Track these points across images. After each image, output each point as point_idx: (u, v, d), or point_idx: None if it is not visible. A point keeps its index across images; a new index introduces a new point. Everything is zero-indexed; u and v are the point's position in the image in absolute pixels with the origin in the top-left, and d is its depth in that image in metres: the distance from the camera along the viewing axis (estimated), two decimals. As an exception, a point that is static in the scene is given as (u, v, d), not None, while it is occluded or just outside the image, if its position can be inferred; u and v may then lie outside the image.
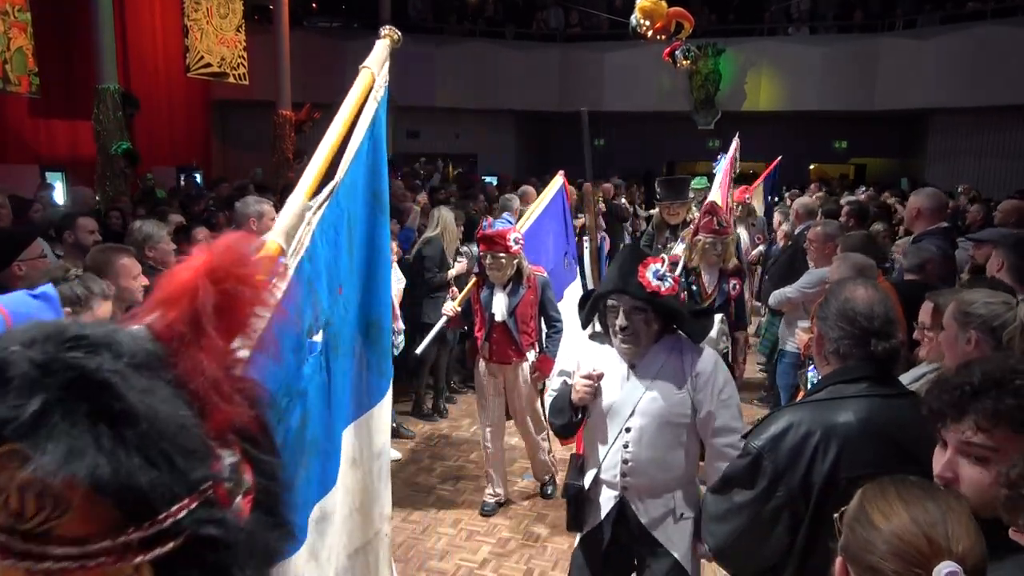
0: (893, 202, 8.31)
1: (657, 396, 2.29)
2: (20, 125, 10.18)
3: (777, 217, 7.18)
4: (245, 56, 13.09)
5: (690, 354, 2.33)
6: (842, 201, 7.33)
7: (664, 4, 8.46)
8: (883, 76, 14.22)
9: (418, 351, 4.43)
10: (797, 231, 5.63)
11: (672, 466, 2.32)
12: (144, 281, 3.05)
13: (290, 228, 1.22)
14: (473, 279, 4.30)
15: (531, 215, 4.58)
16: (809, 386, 2.77)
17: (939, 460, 1.35)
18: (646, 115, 16.44)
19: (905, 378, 2.44)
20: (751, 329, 6.19)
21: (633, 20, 8.64)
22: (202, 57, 12.29)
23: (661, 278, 2.24)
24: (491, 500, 4.35)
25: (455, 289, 5.72)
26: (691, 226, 4.77)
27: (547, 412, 2.50)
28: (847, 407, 1.74)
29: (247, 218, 3.97)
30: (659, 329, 2.32)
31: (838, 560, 1.16)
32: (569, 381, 2.42)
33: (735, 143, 6.26)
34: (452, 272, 5.59)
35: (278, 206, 4.67)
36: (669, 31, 8.79)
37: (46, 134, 10.67)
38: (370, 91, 1.52)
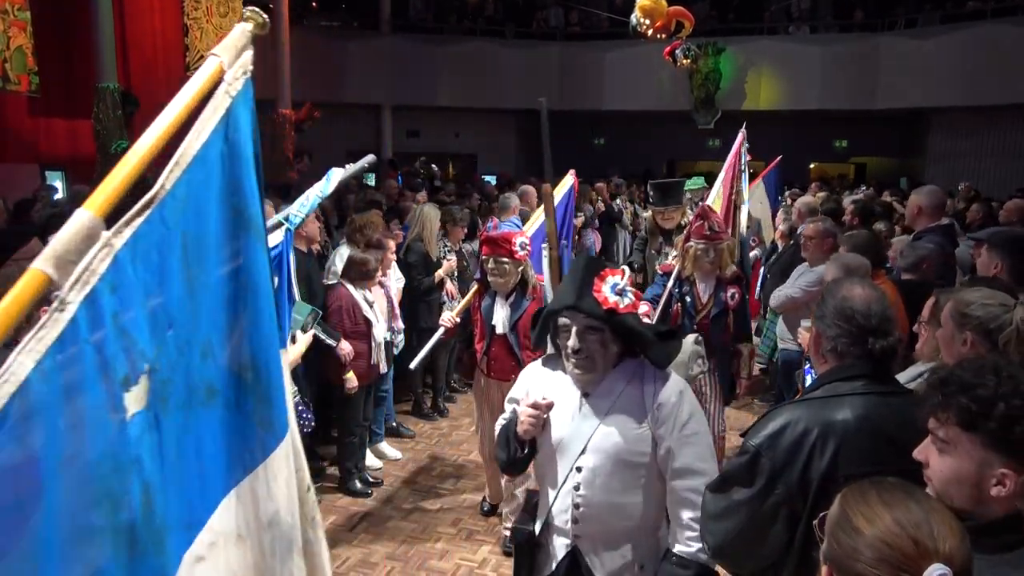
0: (892, 201, 8.30)
1: (613, 431, 1.99)
2: (19, 124, 10.17)
3: (779, 216, 7.17)
4: (245, 55, 13.07)
5: (653, 382, 2.02)
6: (847, 201, 7.34)
7: (664, 3, 8.46)
8: (883, 75, 14.21)
9: (412, 365, 4.16)
10: (799, 230, 5.63)
11: (630, 512, 2.02)
12: None
13: (68, 252, 0.93)
14: (475, 286, 4.03)
15: (538, 218, 4.24)
16: (805, 386, 2.77)
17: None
18: (646, 114, 16.43)
19: (903, 376, 2.44)
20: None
21: (633, 19, 8.64)
22: (202, 56, 12.28)
23: (620, 293, 1.97)
24: (489, 503, 4.31)
25: (451, 287, 5.69)
26: (685, 231, 4.49)
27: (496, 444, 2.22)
28: (844, 405, 1.75)
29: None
30: (618, 352, 2.04)
31: (824, 569, 1.14)
32: (518, 410, 2.10)
33: (740, 136, 5.75)
34: (440, 272, 5.53)
35: (277, 206, 4.68)
36: (669, 30, 8.80)
37: (46, 133, 10.66)
38: (217, 84, 1.23)
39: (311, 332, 3.67)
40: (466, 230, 6.14)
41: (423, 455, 5.17)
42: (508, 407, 2.24)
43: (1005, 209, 5.36)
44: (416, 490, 4.64)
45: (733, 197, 5.32)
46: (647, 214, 6.82)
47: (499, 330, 3.77)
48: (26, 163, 10.08)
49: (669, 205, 5.84)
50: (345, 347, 4.24)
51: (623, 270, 2.02)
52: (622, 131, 17.66)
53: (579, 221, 8.68)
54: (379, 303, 4.60)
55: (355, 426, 4.53)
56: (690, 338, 3.40)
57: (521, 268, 3.69)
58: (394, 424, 5.46)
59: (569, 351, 1.99)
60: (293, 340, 3.69)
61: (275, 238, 2.16)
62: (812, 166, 17.22)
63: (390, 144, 16.41)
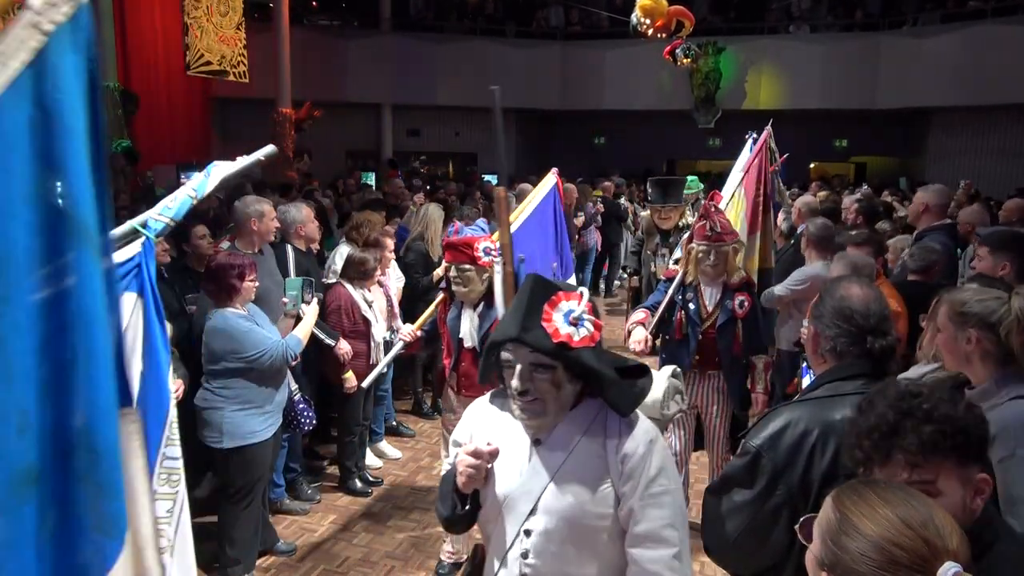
0: (892, 201, 8.30)
1: (568, 488, 1.64)
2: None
3: (780, 216, 7.14)
4: (245, 54, 13.08)
5: (618, 428, 1.67)
6: (847, 200, 7.31)
7: (664, 2, 8.45)
8: (884, 75, 14.21)
9: (365, 383, 3.82)
10: (799, 229, 5.62)
11: None
12: None
13: None
14: (440, 295, 3.66)
15: (514, 220, 3.78)
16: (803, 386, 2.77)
17: None
18: (646, 113, 16.43)
19: (905, 377, 2.44)
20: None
21: (634, 18, 8.64)
22: (202, 55, 12.28)
23: (575, 322, 1.61)
24: (448, 560, 3.67)
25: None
26: (688, 233, 4.19)
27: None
28: (845, 404, 1.74)
29: (248, 218, 3.96)
30: (575, 392, 1.68)
31: None
32: (458, 457, 1.76)
33: (765, 133, 5.18)
34: (438, 272, 5.50)
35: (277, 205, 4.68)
36: (669, 29, 8.79)
37: (46, 132, 10.65)
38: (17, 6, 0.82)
39: (314, 301, 3.75)
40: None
41: (423, 454, 5.17)
42: (452, 450, 1.87)
43: (1005, 208, 5.35)
44: (416, 489, 4.64)
45: (759, 198, 4.88)
46: (645, 213, 6.67)
47: (467, 343, 3.43)
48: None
49: (668, 203, 5.69)
50: (344, 347, 4.24)
51: (580, 294, 1.67)
52: (622, 130, 17.66)
53: (579, 221, 8.69)
54: (378, 302, 4.60)
55: (355, 425, 4.53)
56: (666, 371, 2.90)
57: (487, 275, 3.35)
58: (394, 423, 5.46)
59: (514, 391, 1.64)
60: (297, 319, 3.72)
61: (128, 252, 1.61)
62: (812, 165, 17.21)
63: (390, 143, 16.41)
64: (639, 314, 3.78)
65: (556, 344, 1.59)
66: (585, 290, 1.69)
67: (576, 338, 1.60)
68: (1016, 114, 13.62)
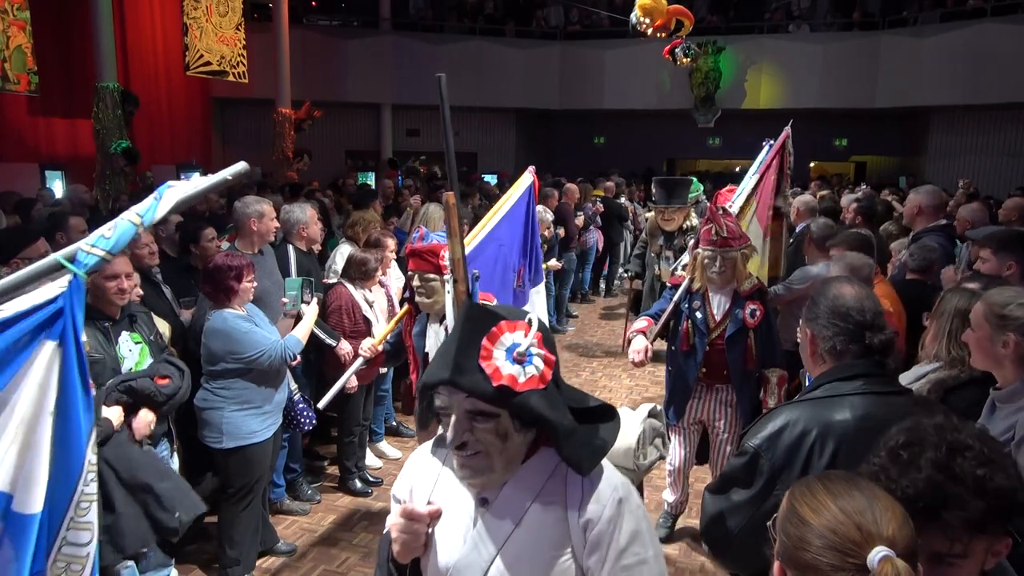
0: (892, 200, 8.29)
1: (520, 560, 1.35)
2: (19, 124, 10.16)
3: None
4: (245, 54, 13.09)
5: (579, 484, 1.37)
6: (846, 200, 7.31)
7: (664, 2, 8.44)
8: (884, 74, 14.20)
9: (321, 405, 3.37)
10: (799, 228, 5.61)
11: None
12: (129, 283, 3.01)
13: None
14: (404, 306, 3.32)
15: (486, 223, 3.41)
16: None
17: None
18: (646, 113, 16.43)
19: (906, 377, 2.44)
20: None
21: (633, 18, 8.62)
22: (202, 55, 12.28)
23: (521, 359, 1.31)
24: None
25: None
26: (696, 237, 3.90)
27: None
28: (844, 405, 1.75)
29: (247, 218, 3.96)
30: (527, 441, 1.38)
31: (775, 566, 1.15)
32: (391, 520, 1.47)
33: (785, 133, 4.85)
34: None
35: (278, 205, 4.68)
36: (669, 29, 8.77)
37: (45, 133, 10.66)
38: None
39: (314, 301, 3.73)
40: (468, 228, 6.12)
41: (423, 454, 5.17)
42: (393, 508, 1.52)
43: (1004, 207, 5.35)
44: (416, 489, 4.63)
45: (773, 201, 4.58)
46: (649, 214, 6.50)
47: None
48: (26, 163, 10.07)
49: (672, 204, 5.62)
50: (345, 347, 4.24)
51: (528, 323, 1.37)
52: (622, 130, 17.66)
53: (580, 220, 8.69)
54: (379, 302, 4.60)
55: (355, 425, 4.53)
56: (642, 410, 2.45)
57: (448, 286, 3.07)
58: (394, 423, 5.46)
59: (450, 444, 1.35)
60: (297, 317, 3.72)
61: (51, 291, 1.22)
62: (812, 165, 17.21)
63: (390, 143, 16.42)
64: (641, 322, 3.65)
65: (497, 388, 1.29)
66: (535, 317, 1.38)
67: (521, 379, 1.31)
68: (1016, 113, 13.62)
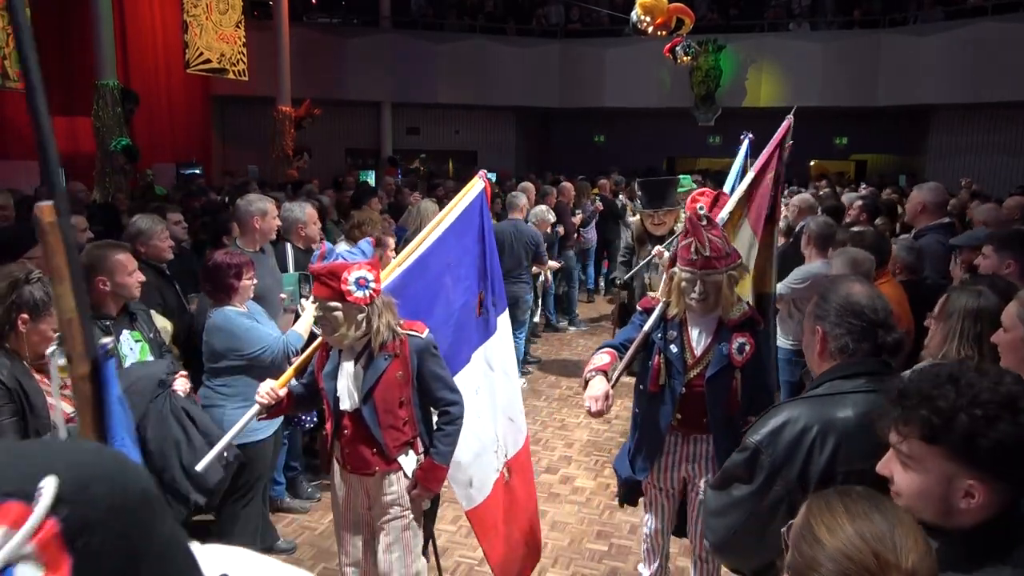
0: (894, 198, 8.30)
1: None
2: (20, 121, 10.16)
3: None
4: (245, 52, 13.08)
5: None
6: (847, 198, 7.31)
7: (664, 0, 8.45)
8: (884, 72, 14.20)
9: (199, 467, 2.61)
10: (798, 227, 5.60)
11: None
12: (140, 277, 3.04)
13: None
14: (316, 341, 2.72)
15: (422, 241, 2.89)
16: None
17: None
18: (646, 111, 16.43)
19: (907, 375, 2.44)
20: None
21: (633, 16, 8.63)
22: (201, 53, 12.28)
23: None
24: None
25: None
26: (671, 252, 3.10)
27: None
28: (846, 402, 1.75)
29: (250, 216, 3.96)
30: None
31: None
32: None
33: (786, 124, 3.84)
34: None
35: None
36: (669, 27, 8.78)
37: (45, 130, 10.64)
38: None
39: (312, 297, 3.69)
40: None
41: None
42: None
43: (1005, 206, 5.35)
44: (416, 487, 4.64)
45: (767, 206, 3.53)
46: (635, 218, 5.92)
47: (345, 405, 2.56)
48: (26, 160, 10.08)
49: (660, 208, 5.23)
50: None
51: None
52: (622, 128, 17.66)
53: (578, 219, 8.69)
54: (379, 300, 4.60)
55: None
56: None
57: (362, 316, 2.48)
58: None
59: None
60: (296, 314, 3.72)
61: None
62: (812, 163, 17.22)
63: (390, 141, 16.42)
64: (602, 357, 2.87)
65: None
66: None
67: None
68: (1017, 112, 13.62)
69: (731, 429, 2.69)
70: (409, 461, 2.64)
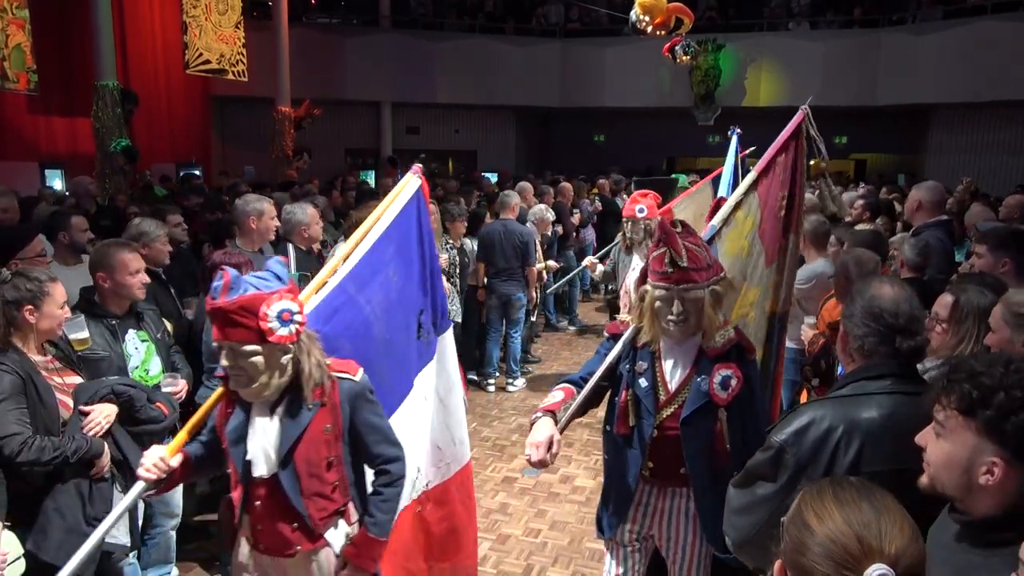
0: (893, 199, 8.30)
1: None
2: (19, 122, 10.17)
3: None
4: (244, 52, 13.09)
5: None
6: (850, 196, 7.30)
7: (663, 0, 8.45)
8: (884, 71, 14.20)
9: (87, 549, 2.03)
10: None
11: None
12: (145, 279, 3.04)
13: None
14: (220, 386, 2.15)
15: (354, 247, 2.42)
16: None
17: None
18: (646, 111, 16.43)
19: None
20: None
21: (633, 16, 8.62)
22: (201, 54, 12.28)
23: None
24: None
25: (445, 285, 5.55)
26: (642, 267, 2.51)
27: None
28: (871, 403, 1.76)
29: (247, 216, 3.96)
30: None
31: (776, 564, 1.16)
32: None
33: (799, 115, 3.12)
34: None
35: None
36: (669, 27, 8.77)
37: (45, 131, 10.67)
38: None
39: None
40: (466, 224, 6.13)
41: (423, 453, 5.17)
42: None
43: (1005, 205, 5.34)
44: (416, 488, 4.64)
45: (784, 211, 3.00)
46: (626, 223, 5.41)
47: (259, 471, 2.03)
48: (25, 161, 10.08)
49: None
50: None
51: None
52: (622, 128, 17.66)
53: (576, 219, 8.69)
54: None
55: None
56: None
57: (289, 356, 1.99)
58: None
59: None
60: None
61: None
62: (812, 162, 17.23)
63: (390, 141, 16.42)
64: (555, 394, 2.42)
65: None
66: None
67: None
68: (1016, 111, 13.61)
69: (716, 480, 2.20)
70: (338, 535, 2.12)
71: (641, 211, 5.08)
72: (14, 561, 2.23)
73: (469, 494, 2.85)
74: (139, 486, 2.06)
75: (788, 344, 4.60)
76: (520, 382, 6.53)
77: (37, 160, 10.42)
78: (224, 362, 1.95)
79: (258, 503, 2.07)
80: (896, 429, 1.71)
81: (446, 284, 5.60)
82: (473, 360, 6.66)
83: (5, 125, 9.93)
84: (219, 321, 1.92)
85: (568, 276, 7.27)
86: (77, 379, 2.65)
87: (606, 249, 5.26)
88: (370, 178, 13.79)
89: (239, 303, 1.90)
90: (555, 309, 8.58)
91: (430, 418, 2.68)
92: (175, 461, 2.08)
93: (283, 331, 1.93)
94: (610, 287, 6.00)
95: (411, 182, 2.63)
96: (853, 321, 1.86)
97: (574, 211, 8.66)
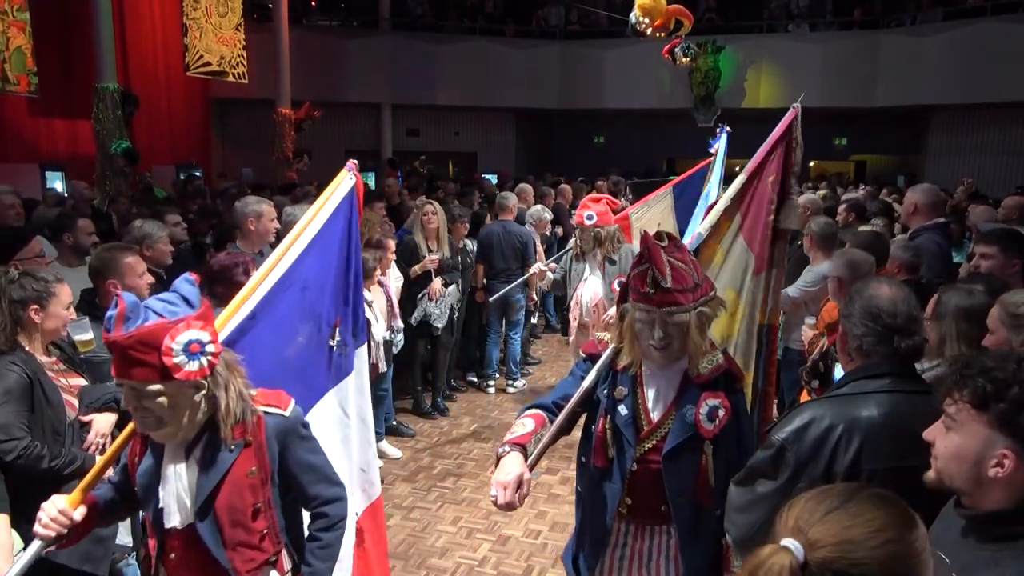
0: (891, 200, 8.30)
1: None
2: (19, 124, 10.18)
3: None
4: (244, 54, 13.11)
5: None
6: (848, 197, 7.33)
7: (663, 1, 8.45)
8: (884, 73, 14.21)
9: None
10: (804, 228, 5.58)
11: None
12: (150, 279, 3.06)
13: None
14: (130, 424, 1.91)
15: (281, 255, 2.23)
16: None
17: None
18: (646, 112, 16.44)
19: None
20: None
21: (632, 18, 8.63)
22: (201, 56, 12.29)
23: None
24: None
25: (436, 286, 5.46)
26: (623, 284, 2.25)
27: None
28: (870, 402, 1.78)
29: (245, 218, 3.97)
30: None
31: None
32: None
33: (790, 114, 3.08)
34: (415, 268, 5.41)
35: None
36: (668, 28, 8.78)
37: (46, 133, 10.68)
38: None
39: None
40: (468, 226, 6.14)
41: (423, 454, 5.18)
42: None
43: (1004, 206, 5.35)
44: (416, 489, 4.64)
45: (772, 217, 2.79)
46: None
47: (172, 521, 1.79)
48: (26, 163, 10.10)
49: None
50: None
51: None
52: (622, 129, 17.67)
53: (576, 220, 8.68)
54: (378, 302, 4.61)
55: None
56: None
57: (202, 394, 1.73)
58: (394, 423, 5.47)
59: None
60: None
61: None
62: (812, 164, 17.22)
63: (390, 143, 16.43)
64: (523, 423, 2.16)
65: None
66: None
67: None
68: (1016, 112, 13.62)
69: (703, 521, 2.08)
70: None
71: (590, 218, 4.67)
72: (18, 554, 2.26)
73: (382, 521, 2.67)
74: (35, 546, 1.80)
75: (791, 346, 4.62)
76: (520, 383, 6.53)
77: (38, 162, 10.43)
78: (125, 403, 1.71)
79: (173, 555, 1.82)
80: (895, 427, 1.74)
81: (436, 284, 5.56)
82: (473, 361, 6.67)
83: (6, 127, 9.94)
84: (116, 357, 1.65)
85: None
86: (81, 381, 2.66)
87: (557, 255, 5.12)
88: (370, 180, 13.79)
89: (137, 336, 1.62)
90: (555, 310, 8.59)
91: (353, 438, 2.47)
92: (78, 514, 1.81)
93: (192, 366, 1.66)
94: (559, 295, 5.76)
95: (344, 181, 2.42)
96: (852, 321, 1.88)
97: (572, 212, 8.67)
